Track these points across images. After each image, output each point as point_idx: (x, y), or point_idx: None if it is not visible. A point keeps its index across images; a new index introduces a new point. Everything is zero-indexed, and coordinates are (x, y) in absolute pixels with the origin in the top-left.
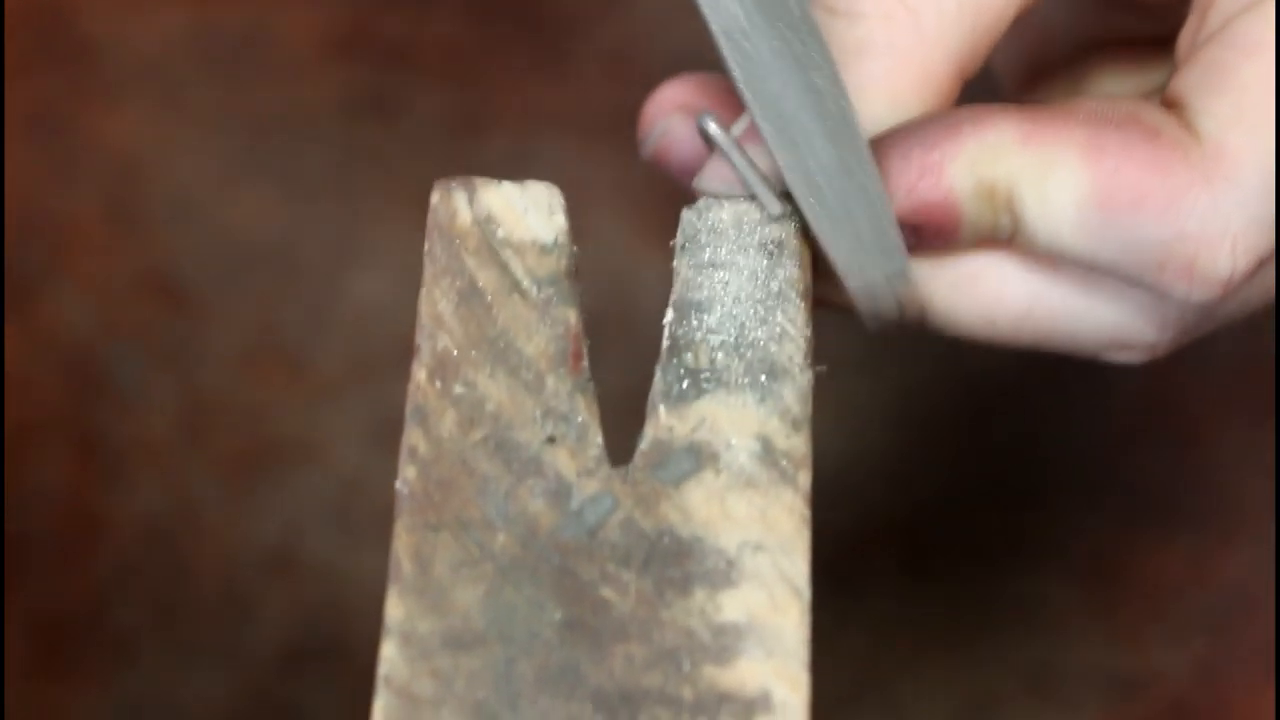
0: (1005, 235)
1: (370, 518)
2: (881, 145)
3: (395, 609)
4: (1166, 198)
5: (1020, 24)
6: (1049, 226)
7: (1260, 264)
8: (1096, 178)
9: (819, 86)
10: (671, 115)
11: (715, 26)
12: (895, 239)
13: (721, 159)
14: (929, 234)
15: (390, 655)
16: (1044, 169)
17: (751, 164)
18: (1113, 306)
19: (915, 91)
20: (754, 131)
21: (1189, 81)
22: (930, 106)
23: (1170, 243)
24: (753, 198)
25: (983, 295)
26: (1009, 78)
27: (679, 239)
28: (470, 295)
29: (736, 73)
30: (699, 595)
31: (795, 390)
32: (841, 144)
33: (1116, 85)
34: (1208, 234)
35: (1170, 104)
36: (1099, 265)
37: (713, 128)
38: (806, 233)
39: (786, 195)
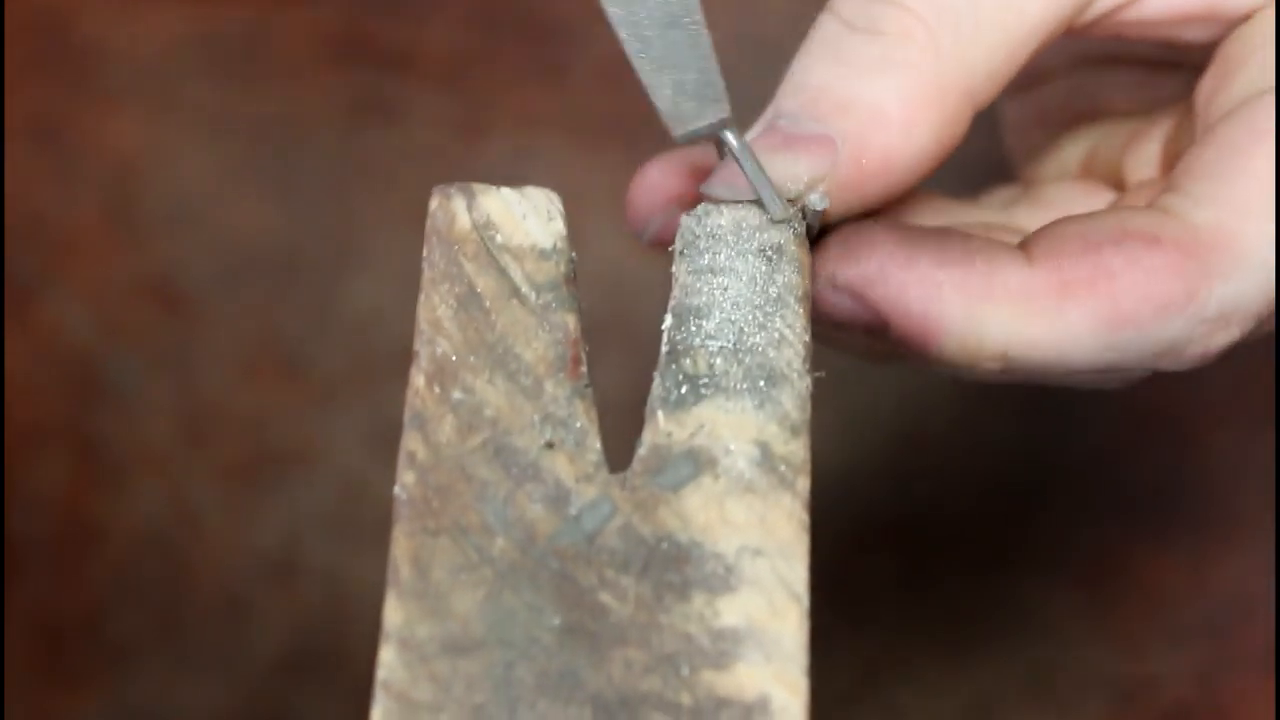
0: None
1: (369, 523)
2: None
3: (394, 614)
4: (1184, 296)
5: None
6: (1062, 356)
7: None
8: (1112, 303)
9: None
10: (669, 208)
11: None
12: (718, 87)
13: (731, 165)
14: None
15: (389, 660)
16: (1053, 315)
17: (761, 169)
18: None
19: (928, 112)
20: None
21: (1198, 166)
22: (942, 128)
23: (1189, 332)
24: (755, 201)
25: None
26: (1013, 127)
27: (678, 244)
28: (469, 301)
29: None
30: (698, 600)
31: (794, 396)
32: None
33: (1120, 97)
34: (1225, 314)
35: (1172, 188)
36: (1110, 370)
37: (728, 136)
38: (806, 238)
39: (790, 201)
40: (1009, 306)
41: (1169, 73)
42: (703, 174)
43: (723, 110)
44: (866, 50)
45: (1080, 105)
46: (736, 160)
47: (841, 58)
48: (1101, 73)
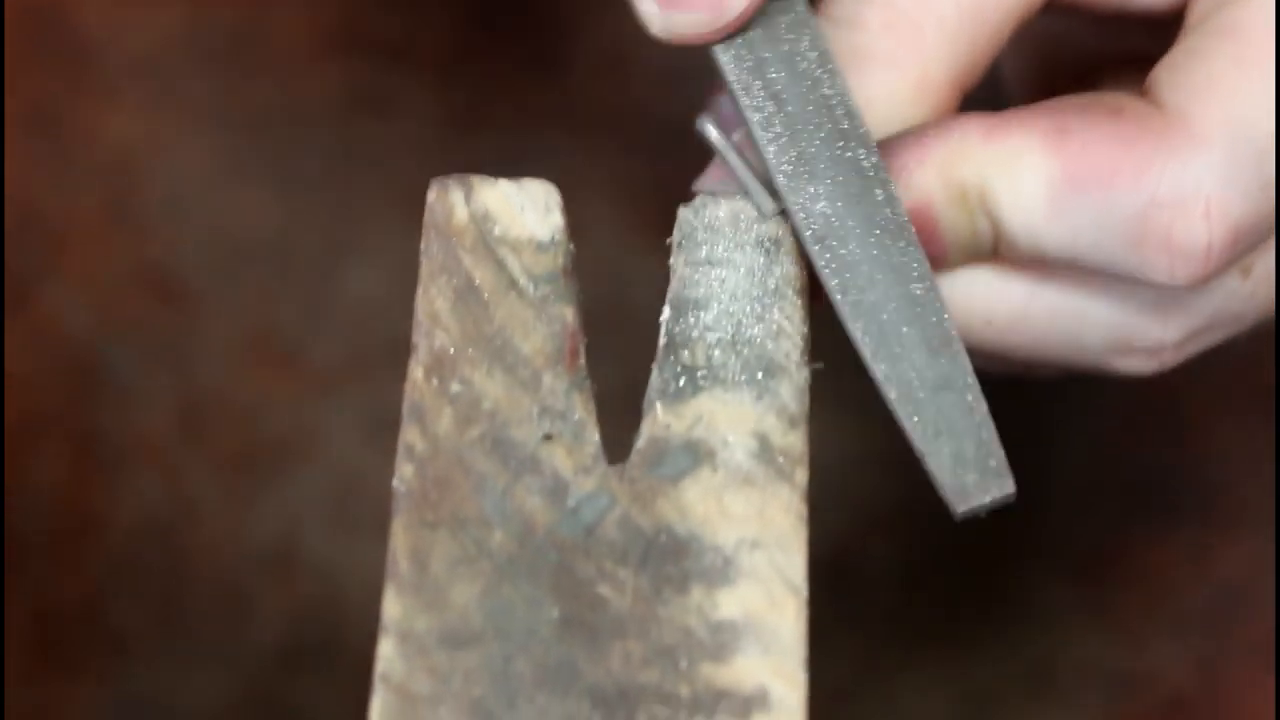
0: (988, 242)
1: (368, 515)
2: None
3: (393, 607)
4: (1134, 167)
5: (1031, 43)
6: (1025, 220)
7: (1239, 234)
8: (1063, 160)
9: (918, 296)
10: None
11: (807, 232)
12: (999, 457)
13: (720, 164)
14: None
15: (388, 653)
16: (1010, 160)
17: (748, 165)
18: (1111, 301)
19: (915, 101)
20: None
21: (1160, 69)
22: (930, 116)
23: (1145, 212)
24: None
25: (980, 296)
26: (1021, 99)
27: (676, 236)
28: (467, 293)
29: (831, 281)
30: (696, 593)
31: (792, 387)
32: (940, 354)
33: (1105, 44)
34: (1180, 197)
35: (1143, 92)
36: (1080, 256)
37: (712, 132)
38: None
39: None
40: (975, 149)
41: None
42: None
43: (1007, 485)
44: (850, 42)
45: (1074, 51)
46: (723, 158)
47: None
48: (1117, 85)
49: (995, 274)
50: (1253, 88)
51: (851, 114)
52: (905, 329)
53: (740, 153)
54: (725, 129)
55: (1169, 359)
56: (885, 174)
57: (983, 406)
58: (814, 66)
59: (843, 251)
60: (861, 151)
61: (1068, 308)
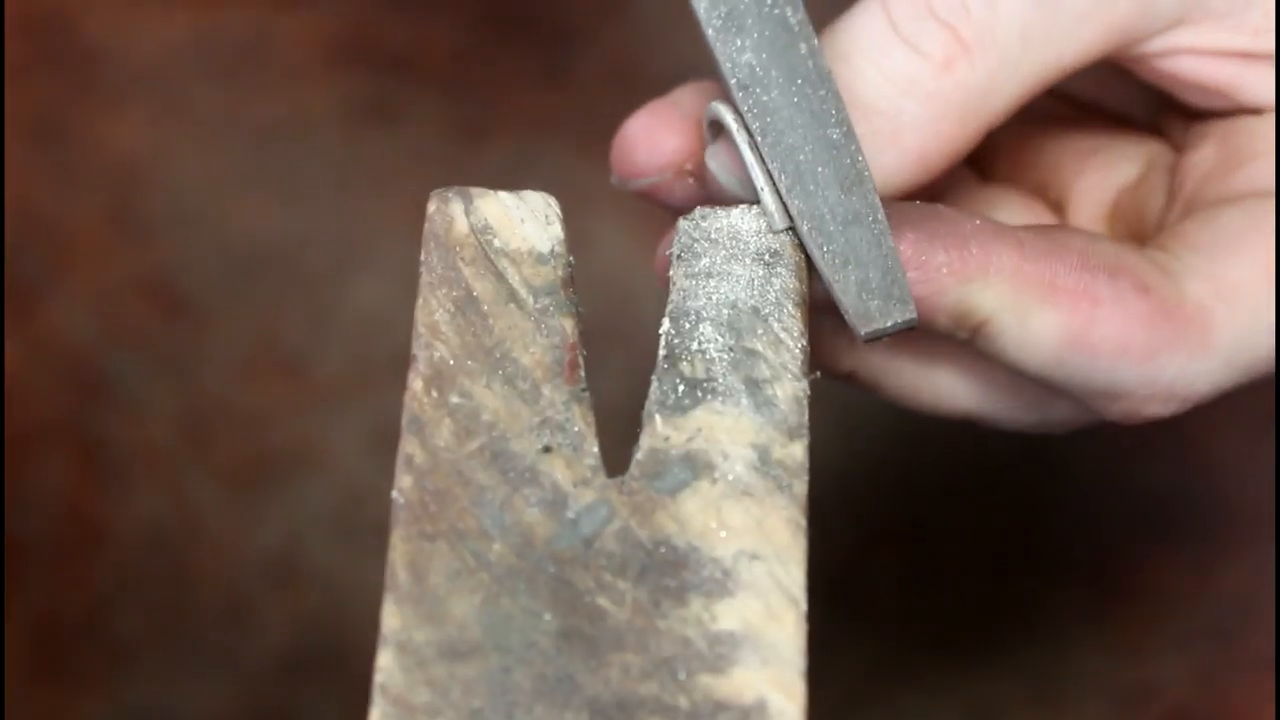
0: (960, 340)
1: (370, 526)
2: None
3: (391, 618)
4: (1147, 350)
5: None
6: (1021, 354)
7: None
8: (1083, 324)
9: (835, 140)
10: (665, 173)
11: (732, 80)
12: (904, 287)
13: (729, 148)
14: None
15: (386, 664)
16: (1032, 308)
17: (770, 178)
18: (1050, 402)
19: (944, 141)
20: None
21: (1196, 239)
22: (955, 153)
23: (1135, 388)
24: (752, 203)
25: (941, 393)
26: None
27: (675, 248)
28: (466, 305)
29: (754, 124)
30: (695, 604)
31: (791, 399)
32: (854, 195)
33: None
34: (1174, 390)
35: (1169, 243)
36: (1053, 383)
37: (725, 115)
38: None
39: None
40: (995, 291)
41: (1127, 79)
42: (692, 126)
43: (909, 311)
44: (904, 69)
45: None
46: (745, 165)
47: (878, 66)
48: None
49: (951, 384)
50: (1272, 304)
51: None
52: (820, 169)
53: (760, 152)
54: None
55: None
56: (810, 30)
57: (889, 241)
58: None
59: (765, 98)
60: (788, 9)
61: (1011, 417)
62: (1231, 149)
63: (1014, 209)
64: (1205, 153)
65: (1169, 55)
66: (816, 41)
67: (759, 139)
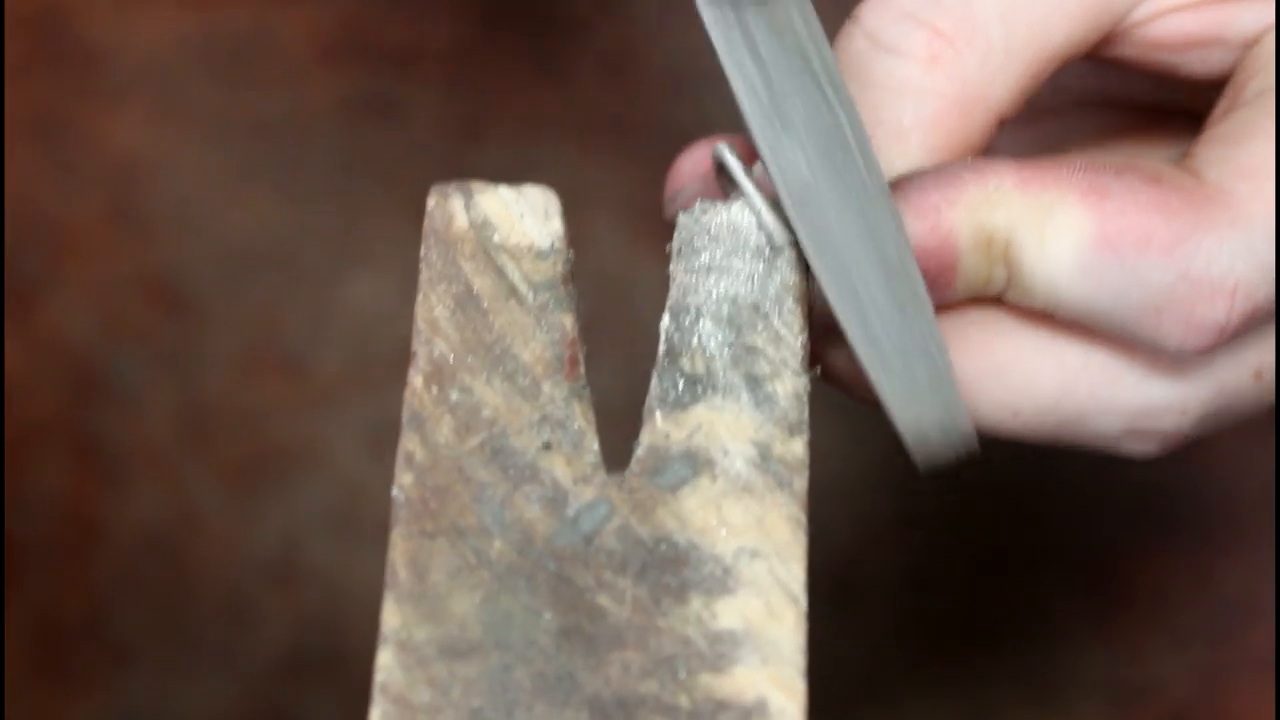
0: (998, 288)
1: (370, 523)
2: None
3: (392, 617)
4: (1171, 238)
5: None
6: (1047, 273)
7: (1254, 317)
8: (1099, 220)
9: (890, 259)
10: (696, 182)
11: (786, 196)
12: (962, 416)
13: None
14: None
15: (387, 663)
16: (1044, 213)
17: (763, 197)
18: (1138, 392)
19: (953, 132)
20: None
21: (1204, 141)
22: (965, 149)
23: (1172, 285)
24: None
25: (1011, 386)
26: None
27: (675, 244)
28: (466, 301)
29: (807, 243)
30: (695, 602)
31: (792, 395)
32: (912, 318)
33: (1110, 143)
34: (1211, 276)
35: (1182, 166)
36: (1094, 315)
37: (729, 159)
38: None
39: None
40: (1005, 207)
41: (1161, 121)
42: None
43: (972, 443)
44: (892, 73)
45: (1064, 150)
46: (739, 185)
47: (865, 80)
48: (1092, 115)
49: (1030, 366)
50: None
51: (835, 82)
52: (879, 293)
53: (756, 181)
54: (742, 159)
55: (1175, 444)
56: (865, 141)
57: (950, 371)
58: (800, 30)
59: (820, 218)
60: (842, 115)
61: (1097, 399)
62: (1238, 82)
63: None
64: (1219, 106)
65: (1151, 21)
66: (873, 153)
67: (811, 255)
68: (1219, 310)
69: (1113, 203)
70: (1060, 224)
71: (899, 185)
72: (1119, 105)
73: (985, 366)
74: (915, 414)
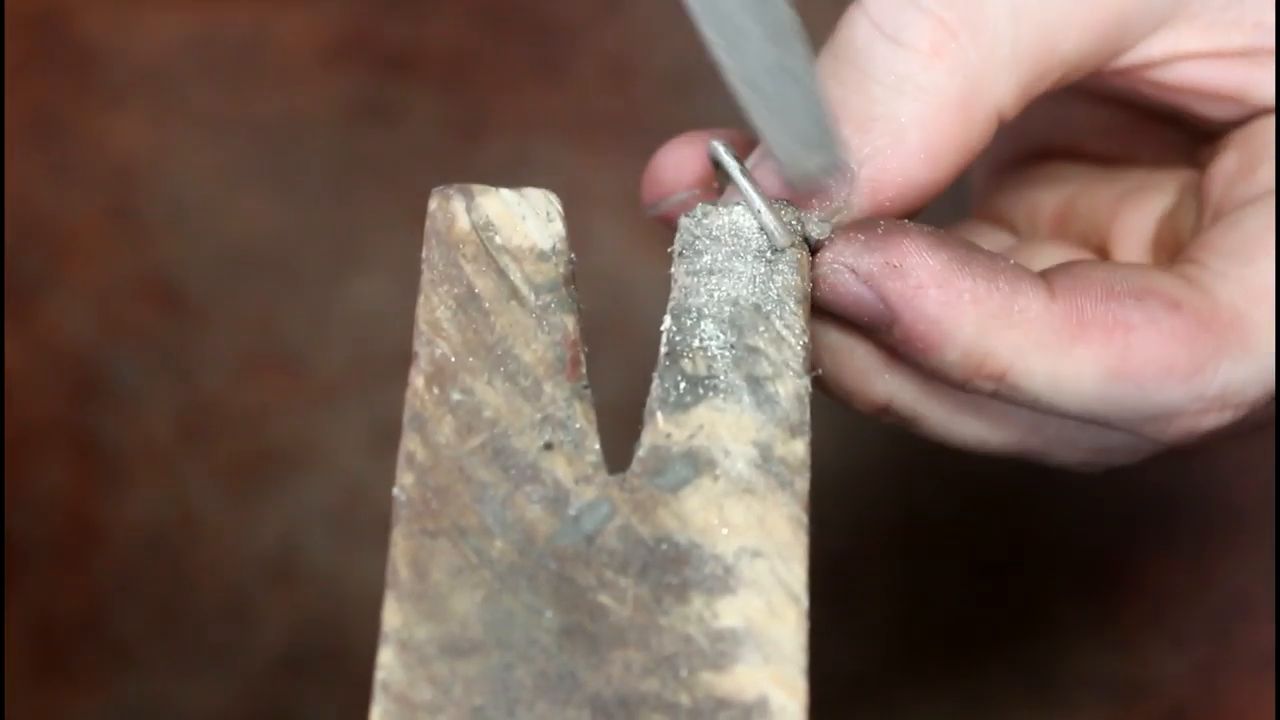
0: (985, 393)
1: (369, 523)
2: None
3: (393, 616)
4: (1191, 367)
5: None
6: (1058, 398)
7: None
8: (1122, 354)
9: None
10: (692, 191)
11: None
12: (831, 133)
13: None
14: (903, 330)
15: (388, 662)
16: (1063, 349)
17: (761, 195)
18: (1098, 439)
19: (951, 133)
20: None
21: (1222, 244)
22: (965, 147)
23: (1184, 405)
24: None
25: (982, 422)
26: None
27: (676, 245)
28: (468, 302)
29: None
30: (697, 602)
31: (793, 396)
32: (782, 47)
33: (1100, 139)
34: (1225, 397)
35: (1198, 253)
36: (1100, 421)
37: (725, 157)
38: (805, 242)
39: (790, 228)
40: (1022, 332)
41: (1154, 123)
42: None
43: (836, 155)
44: (892, 66)
45: (1059, 140)
46: (735, 182)
47: (866, 71)
48: (1088, 107)
49: (998, 417)
50: None
51: None
52: (747, 21)
53: (754, 179)
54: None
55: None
56: None
57: (817, 89)
58: None
59: None
60: None
61: (1063, 438)
62: (1251, 151)
63: (1058, 260)
64: (1227, 160)
65: (1170, 63)
66: None
67: (694, 4)
68: (1225, 419)
69: (1136, 335)
70: (1083, 359)
71: (939, 240)
72: (1122, 103)
73: (962, 402)
74: (788, 133)
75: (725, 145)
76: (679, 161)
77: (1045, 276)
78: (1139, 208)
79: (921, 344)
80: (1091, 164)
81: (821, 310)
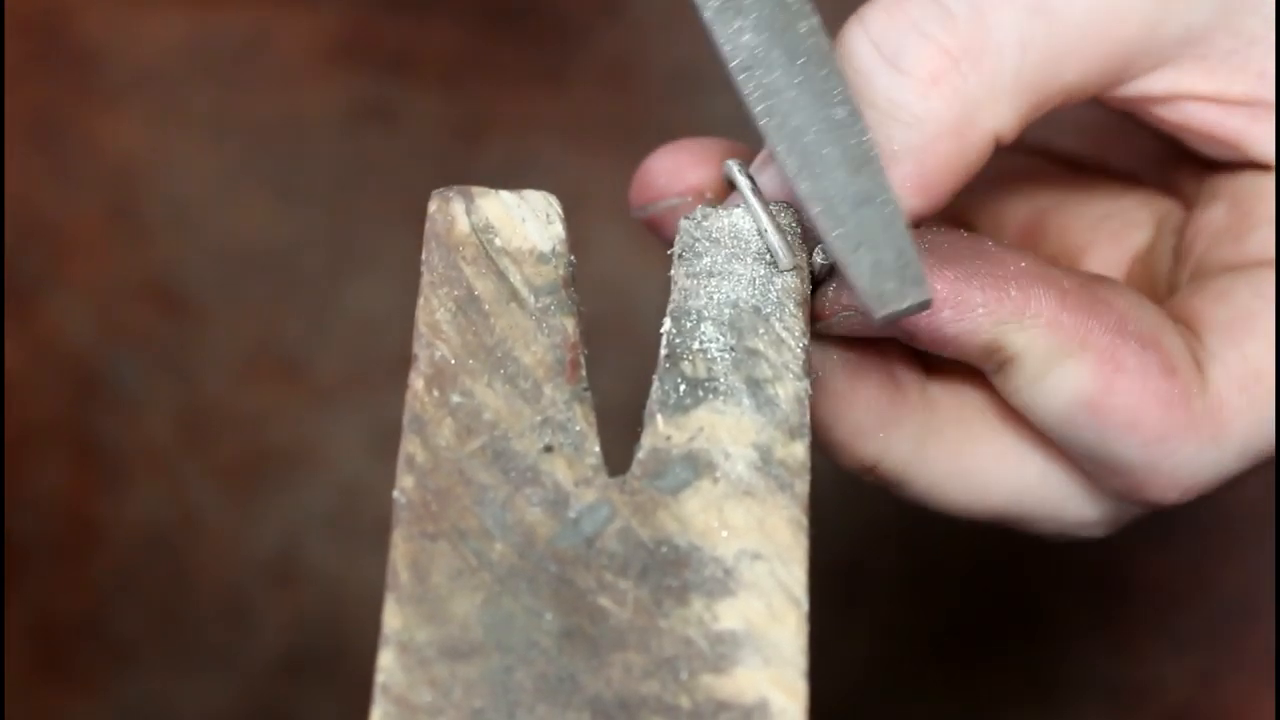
0: (987, 372)
1: (369, 524)
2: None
3: (393, 618)
4: (1157, 433)
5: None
6: (1033, 400)
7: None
8: (1102, 389)
9: (840, 119)
10: (685, 196)
11: (734, 62)
12: (917, 268)
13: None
14: (919, 342)
15: (388, 664)
16: (1057, 358)
17: (771, 215)
18: (1080, 511)
19: (947, 161)
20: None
21: (1214, 318)
22: (962, 171)
23: (1138, 466)
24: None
25: (970, 490)
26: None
27: (677, 248)
28: (468, 304)
29: (757, 108)
30: (697, 604)
31: (793, 399)
32: (863, 176)
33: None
34: (1175, 476)
35: (1188, 318)
36: (1060, 442)
37: (738, 176)
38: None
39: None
40: (1029, 336)
41: (1130, 125)
42: (715, 160)
43: (924, 293)
44: (889, 92)
45: (1031, 132)
46: (746, 202)
47: (861, 94)
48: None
49: (995, 469)
50: None
51: None
52: (827, 150)
53: (764, 200)
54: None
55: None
56: (809, 8)
57: (901, 221)
58: None
59: (767, 80)
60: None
61: (1038, 515)
62: (1242, 211)
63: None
64: (1215, 213)
65: (1173, 101)
66: (816, 20)
67: (764, 121)
68: (1169, 498)
69: (1122, 380)
70: (1066, 373)
71: (945, 260)
72: (1050, 153)
73: (952, 470)
74: (868, 262)
75: (740, 165)
76: (672, 167)
77: (1064, 283)
78: (1115, 243)
79: (938, 346)
80: (1062, 170)
81: (824, 338)
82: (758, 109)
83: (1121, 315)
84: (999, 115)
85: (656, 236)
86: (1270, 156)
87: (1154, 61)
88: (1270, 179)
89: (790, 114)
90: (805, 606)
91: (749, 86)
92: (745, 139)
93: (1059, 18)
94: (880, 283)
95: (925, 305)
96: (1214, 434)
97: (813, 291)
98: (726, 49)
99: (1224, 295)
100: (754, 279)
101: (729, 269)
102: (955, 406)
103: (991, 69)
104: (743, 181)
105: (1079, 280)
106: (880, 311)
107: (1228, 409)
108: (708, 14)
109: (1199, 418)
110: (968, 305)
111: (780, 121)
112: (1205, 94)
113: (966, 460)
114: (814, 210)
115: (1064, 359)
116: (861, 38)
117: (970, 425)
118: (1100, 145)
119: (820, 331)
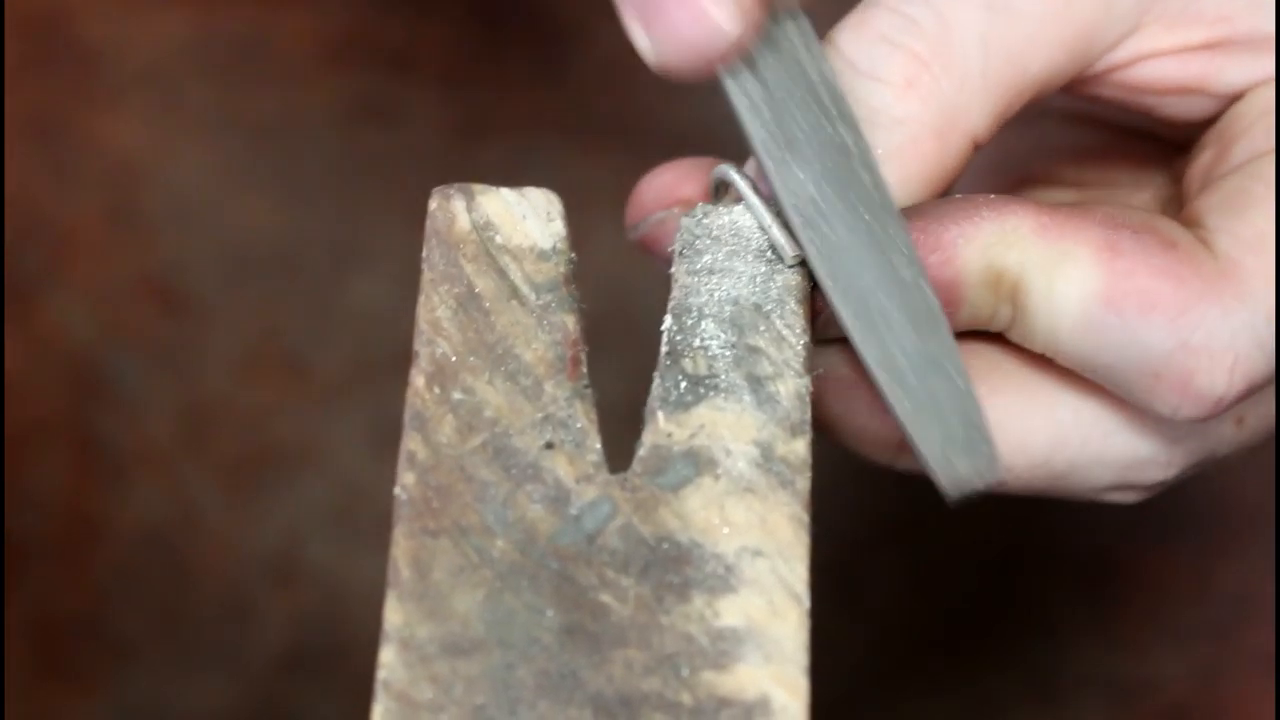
0: (1002, 325)
1: (370, 522)
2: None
3: (394, 615)
4: (1176, 306)
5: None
6: (1050, 320)
7: (1251, 391)
8: (1108, 277)
9: (904, 278)
10: (672, 208)
11: (795, 215)
12: (985, 436)
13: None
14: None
15: (389, 661)
16: (1056, 261)
17: (771, 211)
18: (1128, 448)
19: (927, 165)
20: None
21: (1209, 204)
22: (941, 175)
23: (1171, 353)
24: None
25: (1006, 443)
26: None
27: (677, 245)
28: (468, 302)
29: (818, 263)
30: (698, 601)
31: (794, 395)
32: (928, 336)
33: (1077, 163)
34: (1211, 349)
35: (1187, 222)
36: (1092, 369)
37: (736, 177)
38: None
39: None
40: (1020, 250)
41: (1130, 140)
42: (702, 180)
43: (997, 472)
44: (867, 100)
45: (1037, 168)
46: (746, 202)
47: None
48: (1062, 129)
49: (1025, 423)
50: None
51: (836, 97)
52: (895, 312)
53: (764, 197)
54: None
55: (1156, 493)
56: (871, 157)
57: (970, 388)
58: (799, 49)
59: (826, 230)
60: (845, 132)
61: (1087, 455)
62: (1226, 137)
63: None
64: (1203, 157)
65: (1134, 64)
66: (880, 172)
67: (828, 282)
68: (1218, 383)
69: (1124, 262)
70: (1070, 274)
71: (915, 215)
72: (1096, 122)
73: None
74: (938, 435)
75: (734, 167)
76: (661, 186)
77: (1037, 202)
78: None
79: (952, 313)
80: (1069, 189)
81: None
82: (819, 264)
83: (1106, 213)
84: (974, 114)
85: (651, 255)
86: (1237, 83)
87: (1115, 35)
88: (1245, 100)
89: (857, 274)
90: (806, 603)
91: (809, 238)
92: (743, 140)
93: (1015, 11)
94: (952, 459)
95: (992, 471)
96: (1236, 293)
97: (813, 288)
98: (790, 202)
99: (1216, 188)
100: (754, 276)
101: (729, 266)
102: (971, 369)
103: (960, 69)
104: (742, 181)
105: (1055, 203)
106: (955, 493)
107: (1243, 269)
108: (770, 164)
109: (1215, 281)
110: (945, 240)
111: (847, 283)
112: (1165, 49)
113: (994, 414)
114: (880, 378)
115: (1062, 262)
116: (833, 59)
117: (990, 379)
118: (1103, 164)
119: (821, 327)
